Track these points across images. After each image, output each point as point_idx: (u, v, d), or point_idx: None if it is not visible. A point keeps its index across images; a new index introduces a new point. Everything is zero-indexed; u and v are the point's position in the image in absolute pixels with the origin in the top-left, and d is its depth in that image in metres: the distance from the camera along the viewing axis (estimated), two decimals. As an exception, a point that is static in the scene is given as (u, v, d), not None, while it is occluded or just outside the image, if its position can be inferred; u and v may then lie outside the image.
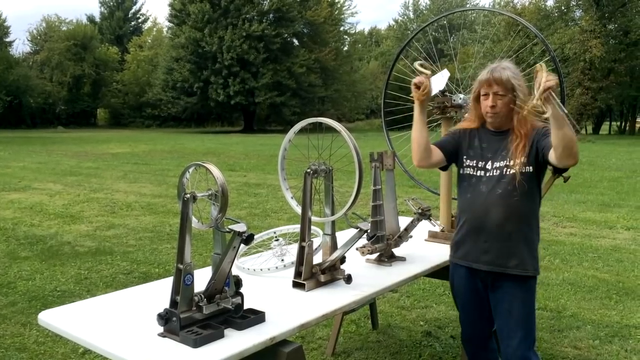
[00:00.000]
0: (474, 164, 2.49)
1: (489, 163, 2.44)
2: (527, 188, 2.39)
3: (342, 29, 49.57)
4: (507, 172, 2.39)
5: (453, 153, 2.58)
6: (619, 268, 5.71)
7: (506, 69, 2.39)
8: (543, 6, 37.21)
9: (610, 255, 6.16)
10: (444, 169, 2.74)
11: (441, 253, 2.95)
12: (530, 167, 2.38)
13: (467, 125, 2.57)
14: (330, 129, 2.40)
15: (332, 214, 2.45)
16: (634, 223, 7.91)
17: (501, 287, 2.47)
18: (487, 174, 2.44)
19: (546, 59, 3.73)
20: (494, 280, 2.47)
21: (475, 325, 2.65)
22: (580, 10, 36.72)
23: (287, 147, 2.53)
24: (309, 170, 2.35)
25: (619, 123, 44.24)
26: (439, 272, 2.85)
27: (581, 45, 32.72)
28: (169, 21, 45.19)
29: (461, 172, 2.55)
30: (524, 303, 2.45)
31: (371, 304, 4.04)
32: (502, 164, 2.41)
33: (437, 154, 2.55)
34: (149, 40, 54.95)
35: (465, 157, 2.52)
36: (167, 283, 2.23)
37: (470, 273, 2.53)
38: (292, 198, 2.56)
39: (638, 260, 5.97)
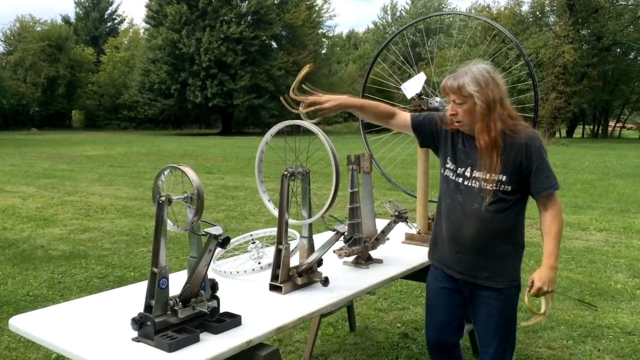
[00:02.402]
0: (454, 168, 2.38)
1: (468, 170, 2.33)
2: (506, 204, 2.29)
3: (320, 32, 49.69)
4: (485, 186, 2.28)
5: (427, 135, 2.49)
6: (592, 269, 5.81)
7: (467, 73, 2.25)
8: (518, 11, 37.79)
9: (583, 257, 6.27)
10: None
11: (418, 255, 2.97)
12: (509, 187, 2.27)
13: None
14: (307, 132, 2.40)
15: (310, 216, 2.45)
16: (606, 225, 8.06)
17: (478, 297, 2.42)
18: (465, 183, 2.33)
19: (520, 63, 3.79)
20: (470, 290, 2.43)
21: (443, 329, 2.55)
22: (555, 16, 37.41)
23: (264, 150, 2.52)
24: (286, 172, 2.34)
25: (592, 126, 45.12)
26: (415, 274, 2.87)
27: (554, 50, 33.31)
28: (146, 22, 44.75)
29: (442, 171, 2.45)
30: (500, 313, 2.40)
31: (348, 306, 4.04)
32: (481, 175, 2.30)
33: (401, 121, 2.52)
34: (125, 42, 54.34)
35: (448, 157, 2.41)
36: (142, 287, 2.20)
37: (448, 276, 2.48)
38: (269, 201, 2.55)
39: (610, 261, 6.09)
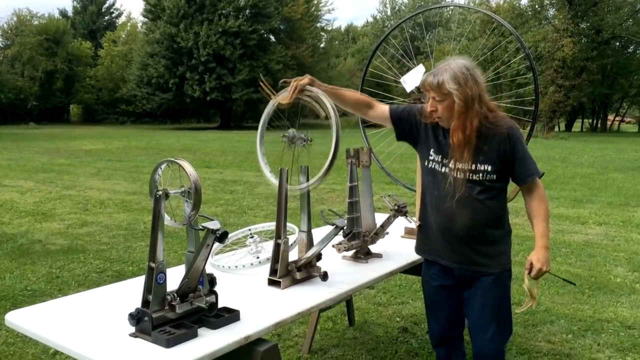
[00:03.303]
0: (439, 160, 2.40)
1: (452, 162, 2.35)
2: (494, 192, 2.34)
3: (319, 25, 49.53)
4: (471, 177, 2.31)
5: (405, 128, 2.51)
6: (591, 263, 5.81)
7: (447, 70, 2.26)
8: (517, 5, 37.67)
9: (582, 251, 6.26)
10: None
11: (417, 249, 2.95)
12: (494, 176, 2.31)
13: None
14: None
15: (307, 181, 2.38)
16: (605, 218, 8.05)
17: (474, 284, 2.43)
18: (452, 174, 2.34)
19: (520, 56, 3.76)
20: (467, 278, 2.44)
21: (446, 324, 2.57)
22: (554, 9, 37.32)
23: (269, 113, 2.52)
24: (284, 136, 2.35)
25: (591, 120, 45.08)
26: (415, 269, 2.85)
27: (554, 44, 33.25)
28: (144, 16, 44.56)
29: (426, 164, 2.46)
30: (496, 298, 2.42)
31: (348, 300, 4.03)
32: (465, 166, 2.32)
33: (379, 113, 2.55)
34: (123, 35, 54.12)
35: (432, 149, 2.43)
36: (140, 281, 2.18)
37: (442, 268, 2.48)
38: (270, 172, 2.47)
39: (610, 255, 6.08)
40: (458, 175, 2.33)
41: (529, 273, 2.36)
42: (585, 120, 45.45)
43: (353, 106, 2.58)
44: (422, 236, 2.57)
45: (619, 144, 24.33)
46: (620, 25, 36.05)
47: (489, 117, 2.29)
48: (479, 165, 2.30)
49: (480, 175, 2.30)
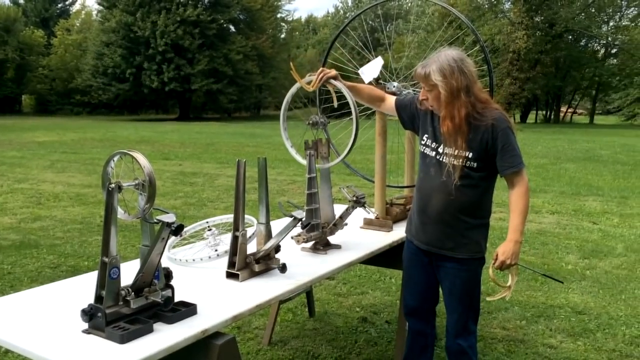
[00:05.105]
0: (430, 143, 2.50)
1: (441, 147, 2.44)
2: (472, 181, 2.41)
3: (279, 16, 49.23)
4: (452, 162, 2.39)
5: (407, 116, 2.66)
6: (544, 251, 5.98)
7: (435, 62, 2.35)
8: (475, -2, 38.23)
9: (536, 239, 6.44)
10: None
11: (376, 240, 2.98)
12: (474, 164, 2.38)
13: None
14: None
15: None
16: (558, 207, 8.30)
17: (443, 268, 2.55)
18: (438, 158, 2.44)
19: (476, 48, 3.82)
20: (436, 261, 2.56)
21: (419, 297, 2.70)
22: (509, 2, 38.04)
23: (289, 100, 2.82)
24: (309, 122, 2.61)
25: (544, 112, 46.26)
26: (374, 259, 2.88)
27: (508, 37, 33.94)
28: (99, 4, 43.34)
29: (420, 148, 2.58)
30: (464, 282, 2.53)
31: (308, 292, 4.04)
32: (449, 151, 2.41)
33: (389, 105, 2.74)
34: (77, 24, 52.52)
35: (425, 135, 2.53)
36: (96, 276, 2.14)
37: (418, 247, 2.61)
38: (291, 147, 2.83)
39: (562, 243, 6.28)
40: (444, 160, 2.43)
41: (494, 264, 2.47)
42: (539, 112, 46.60)
43: (368, 99, 2.79)
44: (409, 217, 2.72)
45: (572, 135, 25.07)
46: (573, 19, 37.02)
47: (477, 108, 2.37)
48: (460, 151, 2.38)
49: (461, 161, 2.38)
